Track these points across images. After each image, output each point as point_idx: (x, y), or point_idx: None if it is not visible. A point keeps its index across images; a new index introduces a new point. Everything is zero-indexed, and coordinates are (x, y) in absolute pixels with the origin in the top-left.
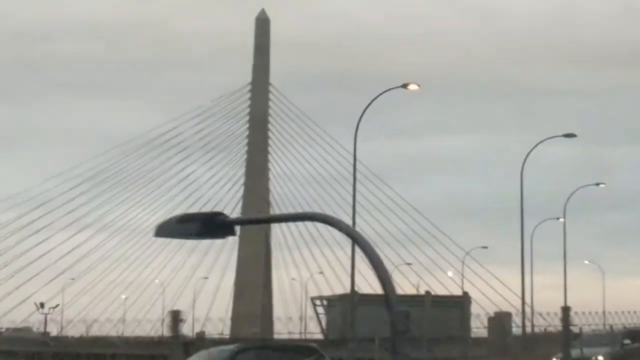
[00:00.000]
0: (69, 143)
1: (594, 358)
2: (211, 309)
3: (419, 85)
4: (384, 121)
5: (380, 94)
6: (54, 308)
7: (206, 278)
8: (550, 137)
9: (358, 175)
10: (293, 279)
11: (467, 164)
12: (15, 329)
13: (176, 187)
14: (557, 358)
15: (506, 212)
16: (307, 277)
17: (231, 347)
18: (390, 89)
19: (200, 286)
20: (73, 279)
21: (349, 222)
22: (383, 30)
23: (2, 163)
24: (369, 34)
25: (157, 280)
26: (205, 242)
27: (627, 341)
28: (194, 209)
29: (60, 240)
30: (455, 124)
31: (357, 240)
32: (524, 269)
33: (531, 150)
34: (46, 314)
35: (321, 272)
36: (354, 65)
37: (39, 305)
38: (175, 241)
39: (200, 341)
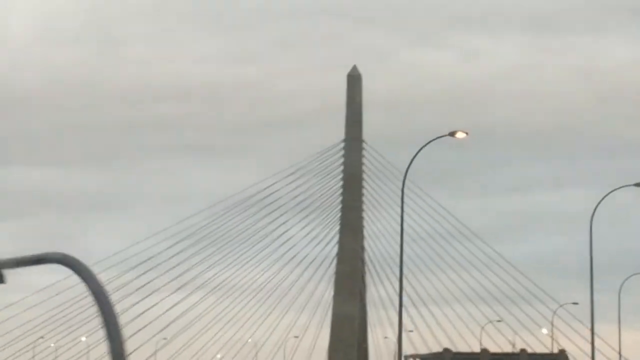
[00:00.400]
0: (168, 204)
1: None
2: None
3: (467, 133)
4: (487, 178)
5: (428, 143)
6: None
7: (296, 337)
8: (621, 187)
9: (456, 234)
10: (385, 337)
11: (565, 219)
12: None
13: (271, 245)
14: None
15: (602, 266)
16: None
17: None
18: (438, 138)
19: (293, 345)
20: (165, 339)
21: (451, 279)
22: (477, 86)
23: (102, 225)
24: (464, 89)
25: (250, 340)
26: (300, 301)
27: None
28: (288, 268)
29: (155, 301)
30: (555, 179)
31: (88, 282)
32: (594, 326)
33: (600, 202)
34: None
35: (411, 331)
36: (450, 120)
37: None
38: (271, 300)
39: None
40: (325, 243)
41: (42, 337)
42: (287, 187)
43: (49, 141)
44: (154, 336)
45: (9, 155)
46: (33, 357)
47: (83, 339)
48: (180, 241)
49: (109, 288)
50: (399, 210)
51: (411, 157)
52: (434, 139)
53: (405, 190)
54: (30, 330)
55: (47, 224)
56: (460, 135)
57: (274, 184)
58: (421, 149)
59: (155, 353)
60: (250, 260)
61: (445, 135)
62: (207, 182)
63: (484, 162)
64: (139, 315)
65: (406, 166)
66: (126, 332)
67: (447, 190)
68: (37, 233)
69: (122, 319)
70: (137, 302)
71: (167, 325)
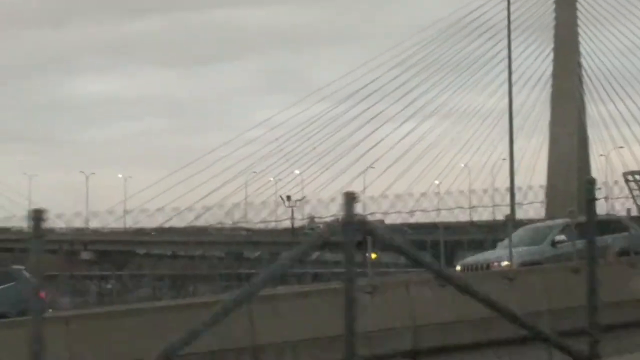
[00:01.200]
0: (390, 35)
1: (496, 264)
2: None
3: None
4: None
5: None
6: (299, 200)
7: (504, 159)
8: None
9: None
10: (601, 155)
11: None
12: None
13: (485, 67)
14: (460, 265)
15: None
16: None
17: None
18: None
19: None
20: (373, 167)
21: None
22: None
23: (329, 57)
24: None
25: (461, 164)
26: (517, 123)
27: (560, 237)
28: (503, 89)
29: (371, 129)
30: None
31: None
32: None
33: None
34: (292, 207)
35: (621, 147)
36: None
37: (285, 198)
38: (487, 123)
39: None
40: (540, 60)
41: (254, 172)
42: (499, 6)
43: None
44: (369, 166)
45: None
46: (247, 195)
47: (297, 172)
48: (393, 68)
49: (326, 118)
50: (618, 25)
51: None
52: None
53: (626, 4)
54: (249, 167)
55: (277, 60)
56: None
57: (484, 4)
58: None
59: (365, 180)
60: (465, 84)
61: None
62: (421, 8)
63: None
64: (359, 143)
65: None
66: (344, 161)
67: None
68: (271, 68)
69: (340, 149)
70: (355, 132)
71: (384, 154)
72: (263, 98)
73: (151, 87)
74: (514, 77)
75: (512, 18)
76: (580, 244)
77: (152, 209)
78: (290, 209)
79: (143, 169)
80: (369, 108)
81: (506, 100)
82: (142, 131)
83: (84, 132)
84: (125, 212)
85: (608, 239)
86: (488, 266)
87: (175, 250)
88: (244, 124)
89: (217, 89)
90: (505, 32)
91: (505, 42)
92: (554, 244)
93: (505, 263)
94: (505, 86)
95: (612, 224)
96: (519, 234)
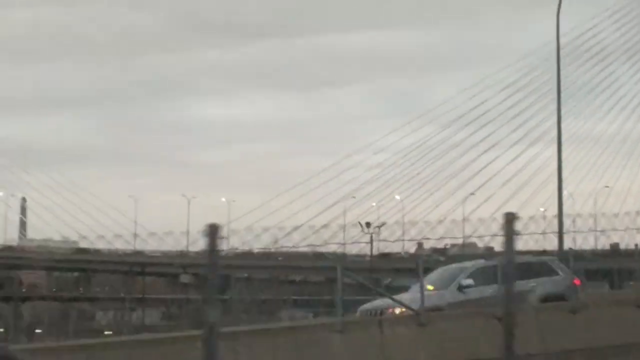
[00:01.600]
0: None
1: (391, 310)
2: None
3: None
4: None
5: None
6: (379, 227)
7: (607, 187)
8: None
9: None
10: None
11: None
12: (456, 245)
13: (593, 92)
14: (359, 311)
15: None
16: None
17: None
18: None
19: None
20: (473, 194)
21: None
22: None
23: (441, 81)
24: None
25: (566, 192)
26: (628, 149)
27: (467, 282)
28: (611, 114)
29: (477, 154)
30: None
31: None
32: None
33: None
34: (372, 234)
35: None
36: None
37: (364, 225)
38: (596, 148)
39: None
40: None
41: (353, 197)
42: (611, 27)
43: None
44: (471, 193)
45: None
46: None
47: (397, 197)
48: (498, 93)
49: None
50: None
51: None
52: None
53: None
54: (350, 192)
55: (390, 84)
56: None
57: (594, 27)
58: None
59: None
60: (573, 109)
61: None
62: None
63: None
64: (464, 168)
65: None
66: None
67: None
68: (387, 94)
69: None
70: (459, 156)
71: (489, 179)
72: (377, 122)
73: (263, 110)
74: (624, 101)
75: (622, 42)
76: (490, 289)
77: (253, 232)
78: (369, 235)
79: (250, 192)
80: (475, 132)
81: (615, 125)
82: (252, 154)
83: (197, 155)
84: (227, 235)
85: (530, 283)
86: (382, 312)
87: (276, 274)
88: (354, 147)
89: (330, 113)
90: (618, 55)
91: (615, 65)
92: (460, 288)
93: (399, 310)
94: (614, 112)
95: (536, 267)
96: (432, 275)
